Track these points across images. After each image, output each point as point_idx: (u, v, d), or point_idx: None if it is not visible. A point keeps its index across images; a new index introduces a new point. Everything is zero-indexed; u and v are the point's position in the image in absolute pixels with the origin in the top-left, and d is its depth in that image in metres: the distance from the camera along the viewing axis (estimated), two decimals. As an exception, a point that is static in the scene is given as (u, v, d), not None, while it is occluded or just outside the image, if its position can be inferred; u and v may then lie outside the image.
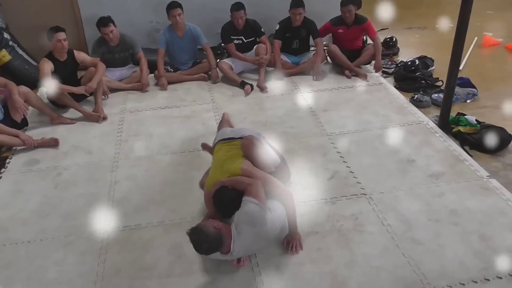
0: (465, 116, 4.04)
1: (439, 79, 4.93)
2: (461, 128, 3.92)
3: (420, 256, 2.70)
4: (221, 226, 2.50)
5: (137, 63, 5.19)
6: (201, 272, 2.68)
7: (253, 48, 5.23)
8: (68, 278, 2.69)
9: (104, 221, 3.13)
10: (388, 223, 2.97)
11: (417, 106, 4.46)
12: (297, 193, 3.27)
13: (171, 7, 4.94)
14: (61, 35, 4.38)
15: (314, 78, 5.12)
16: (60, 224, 3.13)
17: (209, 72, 5.25)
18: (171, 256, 2.80)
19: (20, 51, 5.31)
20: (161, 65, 5.10)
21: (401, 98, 4.66)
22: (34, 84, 4.97)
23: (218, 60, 5.36)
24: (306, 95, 4.80)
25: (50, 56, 4.43)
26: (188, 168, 3.65)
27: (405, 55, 5.73)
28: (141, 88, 5.03)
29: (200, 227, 2.49)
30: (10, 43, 5.22)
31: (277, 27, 5.19)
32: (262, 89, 4.94)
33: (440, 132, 3.99)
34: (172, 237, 2.95)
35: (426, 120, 4.20)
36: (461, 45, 3.75)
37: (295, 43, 5.26)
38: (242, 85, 4.97)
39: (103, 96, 4.72)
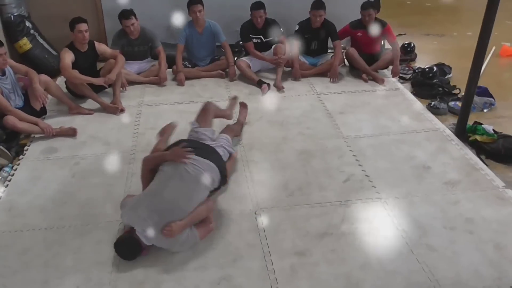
0: (482, 125, 4.03)
1: (457, 87, 4.92)
2: (478, 137, 3.91)
3: (435, 263, 2.70)
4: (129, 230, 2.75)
5: (155, 57, 5.23)
6: (216, 268, 2.70)
7: (271, 47, 5.25)
8: (84, 267, 2.72)
9: (119, 212, 3.14)
10: (403, 229, 2.98)
11: (433, 113, 4.46)
12: (312, 194, 3.32)
13: (192, 3, 4.97)
14: (83, 26, 4.43)
15: (331, 80, 5.13)
16: (77, 212, 3.17)
17: (227, 70, 5.27)
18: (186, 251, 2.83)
19: (41, 40, 5.37)
20: (180, 60, 5.13)
21: (418, 104, 4.66)
22: (52, 73, 5.02)
23: (235, 58, 5.38)
24: (322, 97, 4.81)
25: (71, 46, 4.47)
26: (204, 163, 3.66)
27: (423, 61, 5.72)
28: (159, 82, 5.07)
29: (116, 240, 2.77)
30: (32, 31, 5.28)
31: (297, 27, 5.21)
32: (279, 88, 4.95)
33: (456, 140, 3.98)
34: (188, 231, 2.97)
35: (443, 127, 4.20)
36: (483, 53, 3.75)
37: (313, 44, 5.28)
38: (259, 83, 4.99)
39: (121, 89, 4.76)
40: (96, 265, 2.73)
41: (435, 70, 5.13)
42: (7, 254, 2.81)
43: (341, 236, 2.92)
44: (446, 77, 5.20)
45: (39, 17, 5.47)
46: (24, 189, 3.43)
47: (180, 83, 5.10)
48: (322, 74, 5.23)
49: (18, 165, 3.73)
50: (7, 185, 3.48)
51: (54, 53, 5.39)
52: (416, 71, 5.29)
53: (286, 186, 3.40)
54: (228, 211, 3.15)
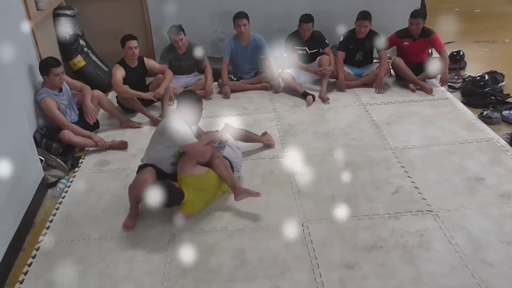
0: (540, 135, 3.87)
1: (511, 95, 4.74)
2: (535, 147, 3.76)
3: (492, 278, 2.60)
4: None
5: (201, 71, 5.34)
6: (264, 279, 2.71)
7: (316, 59, 5.25)
8: (136, 276, 2.81)
9: (169, 223, 3.23)
10: (456, 242, 2.89)
11: (486, 123, 4.31)
12: (360, 206, 3.28)
13: (237, 17, 5.06)
14: (133, 43, 4.60)
15: (377, 90, 5.07)
16: (129, 223, 3.27)
17: (271, 82, 5.32)
18: (234, 261, 2.86)
19: (94, 57, 5.61)
20: (225, 73, 5.23)
21: (469, 114, 4.52)
22: (104, 88, 5.23)
23: (280, 70, 5.41)
24: (369, 108, 4.76)
25: (122, 63, 4.65)
26: (250, 176, 3.70)
27: (473, 69, 5.54)
28: (205, 95, 5.16)
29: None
30: (85, 49, 5.53)
31: (341, 38, 5.19)
32: (324, 100, 4.94)
33: (512, 150, 3.84)
34: (235, 242, 3.01)
35: (497, 137, 4.05)
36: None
37: (358, 55, 5.24)
38: (304, 95, 5.00)
39: (169, 102, 4.89)
40: (147, 275, 2.81)
41: (486, 78, 4.95)
42: (65, 263, 2.94)
43: (391, 249, 2.87)
44: (498, 85, 5.01)
45: (91, 35, 5.71)
46: (80, 200, 3.58)
47: (226, 96, 5.18)
48: (367, 84, 5.18)
49: (74, 177, 3.89)
50: (64, 196, 3.64)
51: (106, 69, 5.62)
52: (466, 79, 5.14)
53: (333, 198, 3.38)
54: (275, 222, 3.17)
